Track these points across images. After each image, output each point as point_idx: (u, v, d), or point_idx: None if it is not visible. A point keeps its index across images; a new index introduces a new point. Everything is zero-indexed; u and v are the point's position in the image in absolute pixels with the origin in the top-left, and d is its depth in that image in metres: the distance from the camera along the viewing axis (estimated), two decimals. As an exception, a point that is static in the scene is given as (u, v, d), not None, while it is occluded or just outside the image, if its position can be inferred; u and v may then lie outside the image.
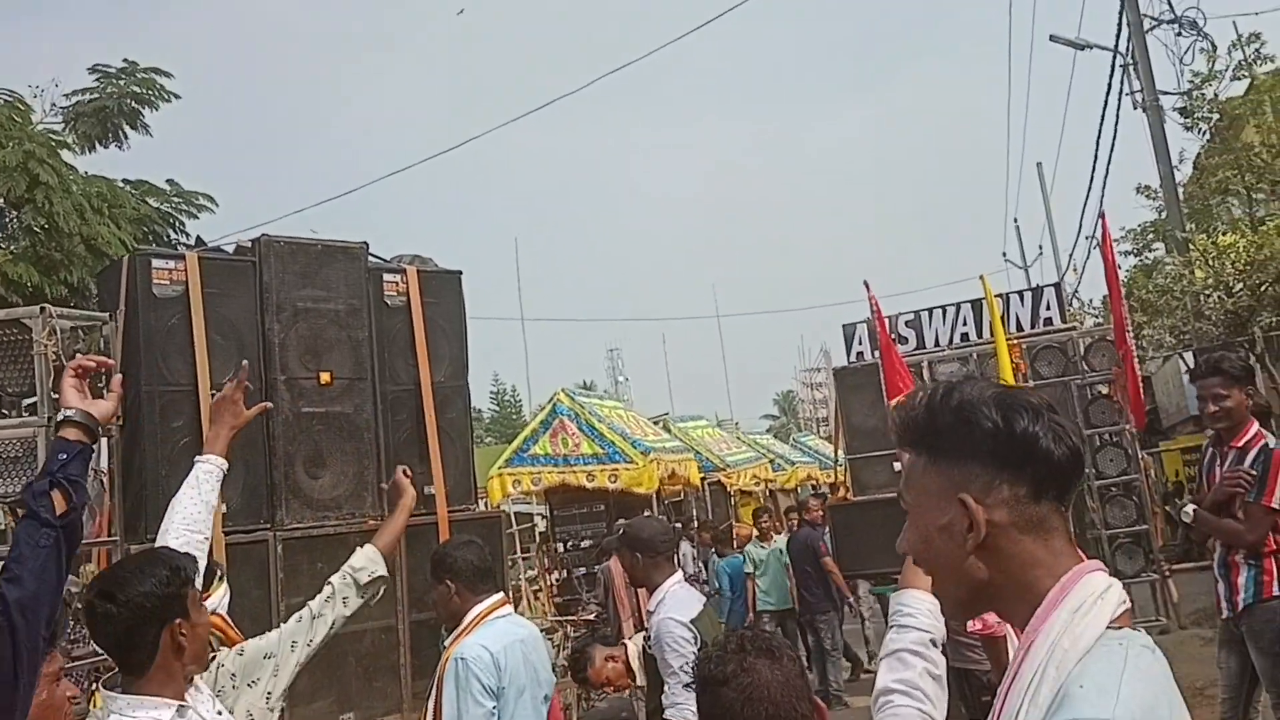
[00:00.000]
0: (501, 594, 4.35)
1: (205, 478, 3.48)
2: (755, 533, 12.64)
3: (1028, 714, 1.40)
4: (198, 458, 3.56)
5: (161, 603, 2.68)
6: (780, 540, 12.17)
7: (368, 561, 3.59)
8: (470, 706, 3.93)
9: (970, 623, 4.69)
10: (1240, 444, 5.14)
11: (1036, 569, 1.51)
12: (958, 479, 1.52)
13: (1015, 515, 1.50)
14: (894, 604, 2.33)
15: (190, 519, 3.35)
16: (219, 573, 3.49)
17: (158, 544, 3.21)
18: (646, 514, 13.52)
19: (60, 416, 2.66)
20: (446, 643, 4.15)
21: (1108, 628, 1.45)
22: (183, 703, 2.72)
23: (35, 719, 2.40)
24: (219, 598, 3.38)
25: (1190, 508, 5.44)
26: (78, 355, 5.08)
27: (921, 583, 2.30)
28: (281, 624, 3.46)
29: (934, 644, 2.26)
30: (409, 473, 4.04)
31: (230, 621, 3.39)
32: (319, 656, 5.60)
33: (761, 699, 2.07)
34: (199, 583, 2.92)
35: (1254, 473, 5.01)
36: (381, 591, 3.59)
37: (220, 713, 2.89)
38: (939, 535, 1.52)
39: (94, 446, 2.65)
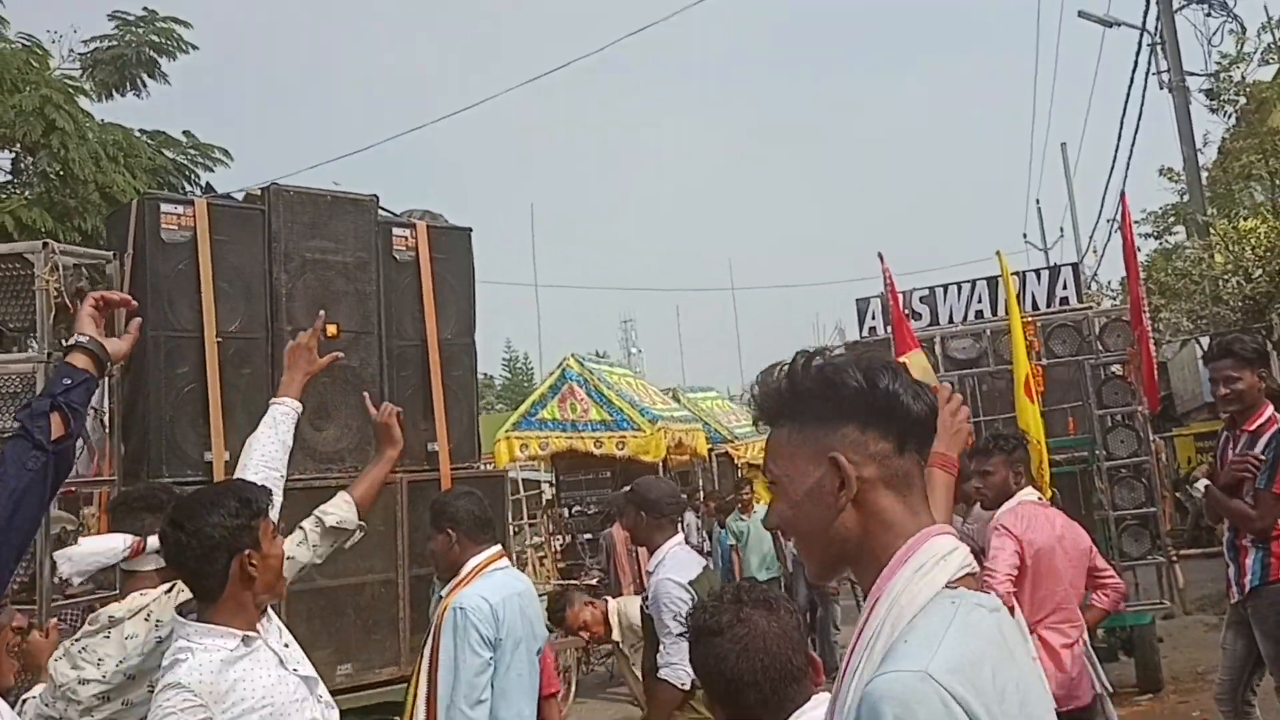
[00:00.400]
0: (499, 546, 4.33)
1: (282, 419, 3.63)
2: (738, 505, 12.69)
3: (863, 668, 1.40)
4: (273, 400, 3.69)
5: (230, 534, 2.77)
6: (761, 510, 12.16)
7: (338, 508, 3.57)
8: (468, 656, 3.91)
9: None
10: (1253, 428, 5.10)
11: (892, 530, 1.54)
12: (826, 441, 1.56)
13: (883, 470, 1.55)
14: None
15: (268, 457, 3.50)
16: None
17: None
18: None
19: (72, 341, 2.60)
20: (443, 592, 4.13)
21: (945, 587, 1.46)
22: (251, 633, 2.80)
23: None
24: None
25: (1202, 482, 5.41)
26: (99, 289, 5.08)
27: None
28: None
29: None
30: (401, 417, 3.94)
31: None
32: (318, 608, 5.64)
33: (757, 650, 2.03)
34: (274, 515, 3.00)
35: (1263, 458, 4.96)
36: (354, 540, 3.55)
37: (288, 644, 2.95)
38: (808, 499, 1.55)
39: (99, 380, 2.60)
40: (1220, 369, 5.20)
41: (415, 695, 4.04)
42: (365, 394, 4.28)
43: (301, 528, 3.50)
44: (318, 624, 5.67)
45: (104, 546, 3.24)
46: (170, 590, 3.17)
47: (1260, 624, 5.02)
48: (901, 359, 2.68)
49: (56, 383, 2.47)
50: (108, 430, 5.27)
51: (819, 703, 2.03)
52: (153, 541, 3.19)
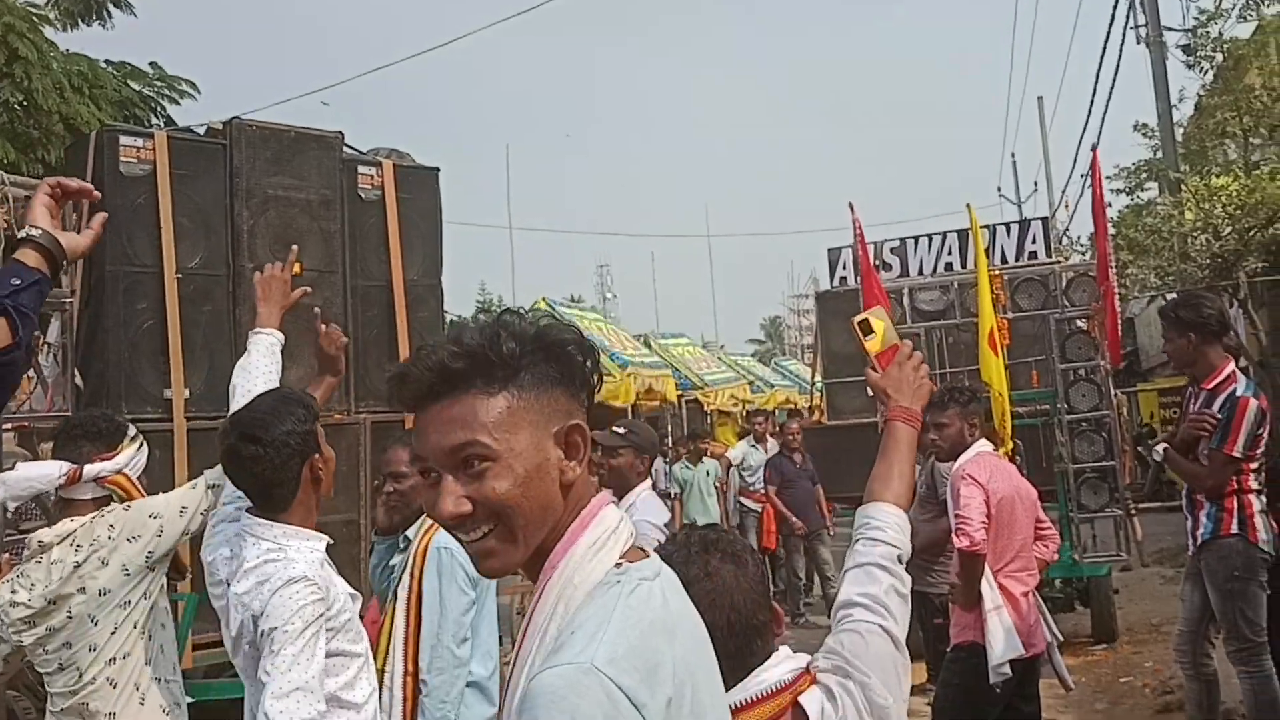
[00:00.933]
0: None
1: (270, 349, 3.59)
2: (684, 453, 12.45)
3: (537, 653, 1.35)
4: (257, 330, 3.62)
5: (302, 440, 2.84)
6: (710, 464, 12.12)
7: None
8: (455, 595, 3.92)
9: (958, 539, 4.73)
10: (1210, 386, 5.17)
11: (581, 500, 1.45)
12: (549, 409, 1.43)
13: (585, 440, 1.46)
14: (861, 517, 2.29)
15: (271, 379, 3.48)
16: (129, 432, 3.48)
17: (234, 405, 3.26)
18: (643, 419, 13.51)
19: (22, 234, 2.27)
20: (412, 534, 4.10)
21: (616, 563, 1.40)
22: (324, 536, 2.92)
23: None
24: (128, 457, 3.39)
25: (1161, 446, 5.50)
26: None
27: (890, 496, 2.29)
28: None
29: (900, 560, 2.22)
30: (343, 340, 3.79)
31: (137, 483, 3.38)
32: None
33: (723, 605, 1.99)
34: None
35: (1219, 417, 5.03)
36: None
37: None
38: (537, 475, 1.41)
39: (52, 281, 2.29)
40: (1163, 331, 5.41)
41: (391, 636, 4.03)
42: (316, 309, 4.20)
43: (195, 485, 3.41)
44: (278, 563, 5.67)
45: (39, 473, 3.24)
46: (94, 518, 3.19)
47: (1210, 577, 5.11)
48: (865, 315, 2.69)
49: (4, 283, 2.13)
50: (62, 366, 5.21)
51: (782, 658, 2.02)
52: (90, 469, 3.21)
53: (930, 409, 5.17)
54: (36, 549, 3.16)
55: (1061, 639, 5.47)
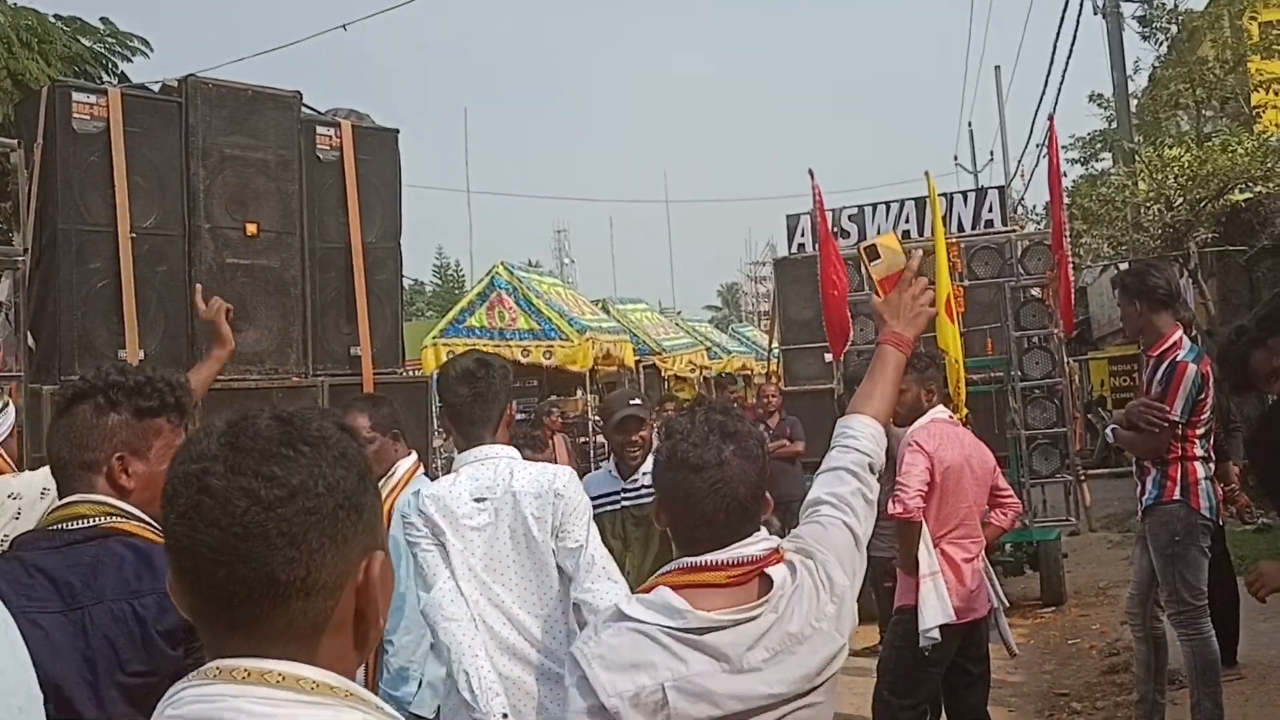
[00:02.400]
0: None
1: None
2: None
3: None
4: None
5: (509, 386, 3.35)
6: None
7: None
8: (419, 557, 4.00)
9: (892, 505, 4.80)
10: (1156, 354, 5.27)
11: None
12: None
13: None
14: (840, 427, 2.39)
15: None
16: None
17: None
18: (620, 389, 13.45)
19: None
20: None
21: None
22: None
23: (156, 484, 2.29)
24: None
25: (1111, 428, 5.64)
26: (6, 179, 4.88)
27: (869, 410, 2.39)
28: None
29: (871, 469, 2.31)
30: (231, 314, 3.78)
31: (5, 455, 3.17)
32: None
33: (727, 494, 2.07)
34: None
35: (1171, 418, 5.12)
36: None
37: None
38: None
39: None
40: (1115, 297, 5.53)
41: None
42: (198, 286, 4.17)
43: None
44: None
45: None
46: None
47: (1153, 541, 5.23)
48: (873, 241, 2.72)
49: None
50: (14, 325, 5.13)
51: (760, 538, 2.11)
52: None
53: None
54: None
55: (1008, 604, 5.57)
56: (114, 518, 2.22)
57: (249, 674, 1.11)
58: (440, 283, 59.97)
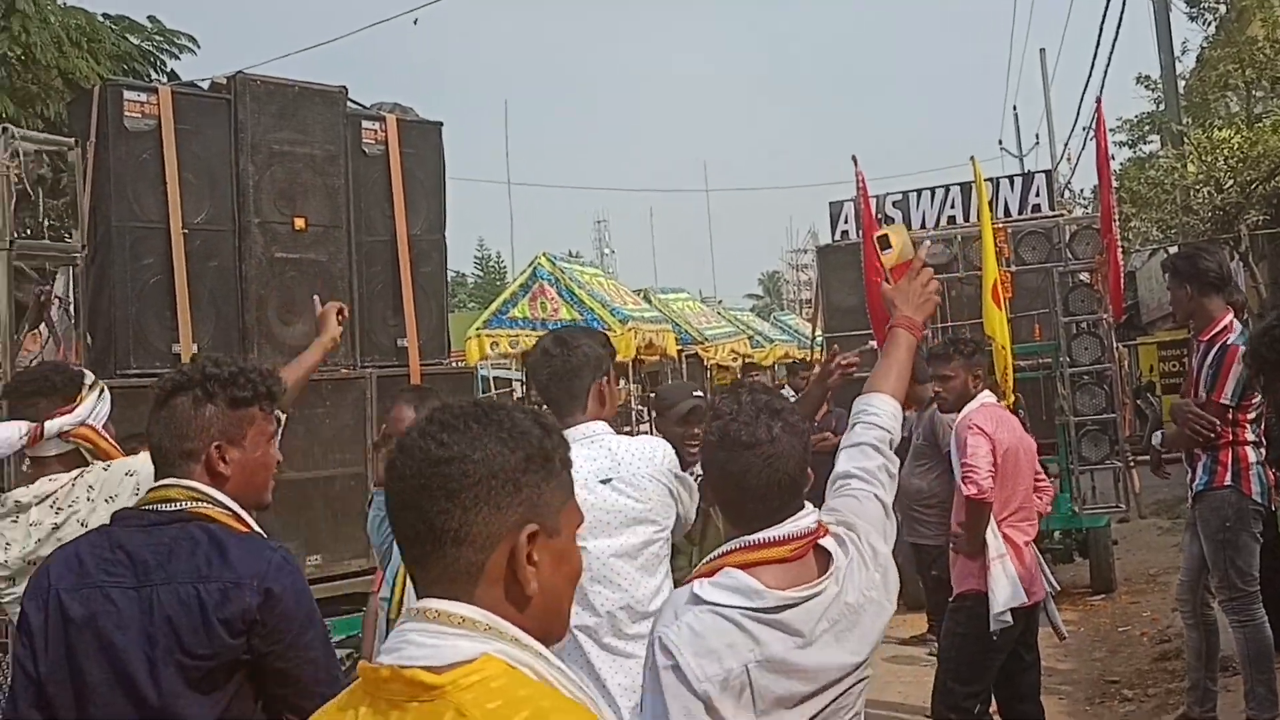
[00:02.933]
0: None
1: None
2: None
3: None
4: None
5: (598, 358, 3.19)
6: None
7: None
8: None
9: (966, 487, 4.78)
10: (1206, 338, 5.22)
11: None
12: None
13: None
14: (860, 404, 2.51)
15: None
16: (87, 380, 3.31)
17: None
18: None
19: None
20: None
21: None
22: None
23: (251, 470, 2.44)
24: (88, 407, 3.22)
25: (1157, 436, 5.61)
26: (61, 177, 4.96)
27: (887, 389, 2.52)
28: None
29: (891, 445, 2.43)
30: (345, 313, 3.85)
31: (103, 433, 3.26)
32: (287, 499, 5.70)
33: (778, 469, 2.15)
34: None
35: (1214, 420, 5.07)
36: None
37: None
38: None
39: None
40: (1165, 281, 5.45)
41: (405, 590, 4.06)
42: (314, 297, 4.19)
43: None
44: (287, 515, 5.71)
45: (1, 436, 3.09)
46: (78, 478, 3.11)
47: (1203, 527, 5.17)
48: (884, 231, 2.92)
49: None
50: (74, 320, 5.23)
51: (808, 511, 2.20)
52: (51, 425, 3.09)
53: (934, 361, 5.22)
54: (13, 508, 3.07)
55: (1059, 589, 5.54)
56: (201, 503, 2.33)
57: (419, 612, 1.36)
58: (481, 274, 60.17)
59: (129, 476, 3.14)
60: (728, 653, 2.03)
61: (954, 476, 5.06)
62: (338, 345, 3.80)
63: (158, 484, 2.39)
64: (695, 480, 4.42)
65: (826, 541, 2.17)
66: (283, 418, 3.21)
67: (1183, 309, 5.39)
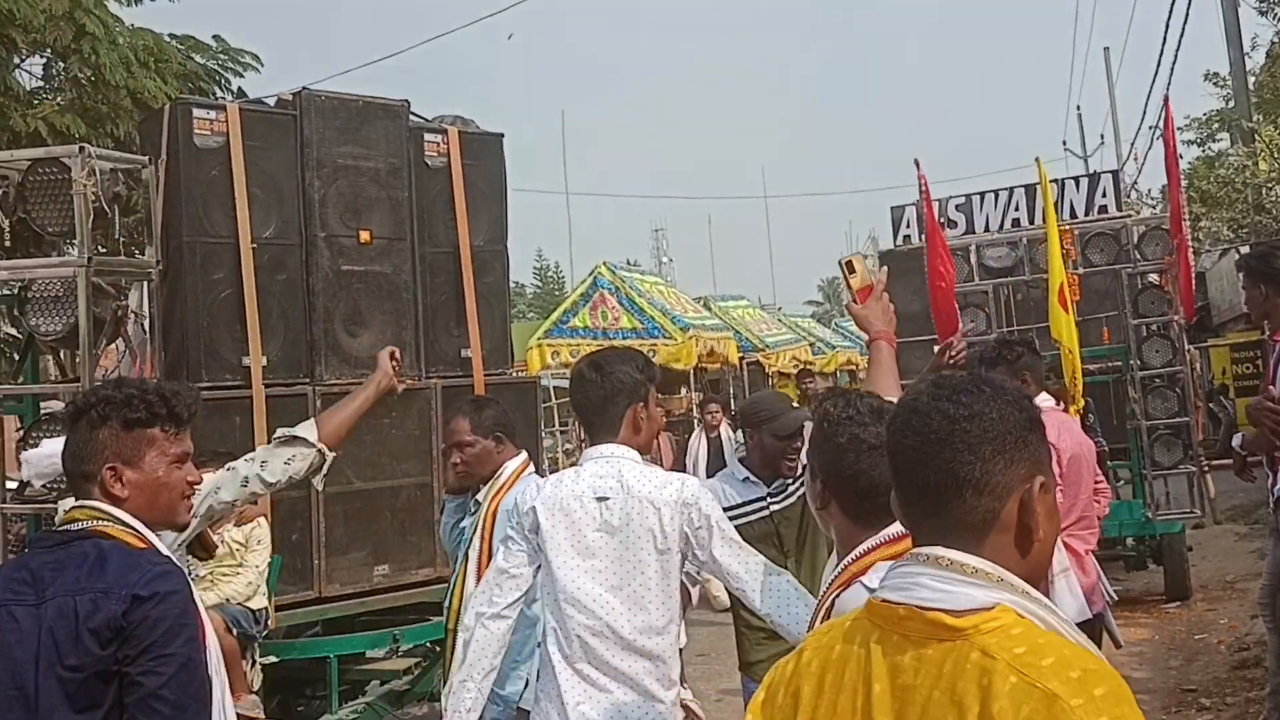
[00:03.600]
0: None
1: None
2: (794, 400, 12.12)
3: None
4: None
5: (634, 384, 3.22)
6: None
7: (299, 430, 3.31)
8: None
9: None
10: (1281, 337, 5.09)
11: None
12: None
13: None
14: None
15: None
16: None
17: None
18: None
19: None
20: (482, 497, 4.16)
21: None
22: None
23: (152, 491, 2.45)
24: None
25: (1238, 438, 5.48)
26: (134, 194, 5.04)
27: (892, 394, 2.69)
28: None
29: None
30: (398, 357, 3.70)
31: None
32: (354, 510, 5.76)
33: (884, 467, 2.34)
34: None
35: None
36: (306, 470, 3.26)
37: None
38: None
39: None
40: (1241, 280, 5.31)
41: (463, 597, 4.08)
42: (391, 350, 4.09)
43: (233, 467, 3.21)
44: (354, 526, 5.79)
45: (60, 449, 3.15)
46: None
47: (1284, 533, 5.04)
48: (849, 258, 3.27)
49: None
50: (148, 335, 5.34)
51: None
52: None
53: (982, 367, 5.07)
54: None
55: (1116, 598, 5.41)
56: (101, 521, 2.37)
57: (928, 559, 1.48)
58: (540, 284, 60.47)
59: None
60: None
61: None
62: (393, 388, 3.66)
63: (69, 506, 2.46)
64: (780, 492, 4.36)
65: None
66: (329, 455, 3.25)
67: (1258, 309, 5.26)
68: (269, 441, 3.34)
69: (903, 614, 1.45)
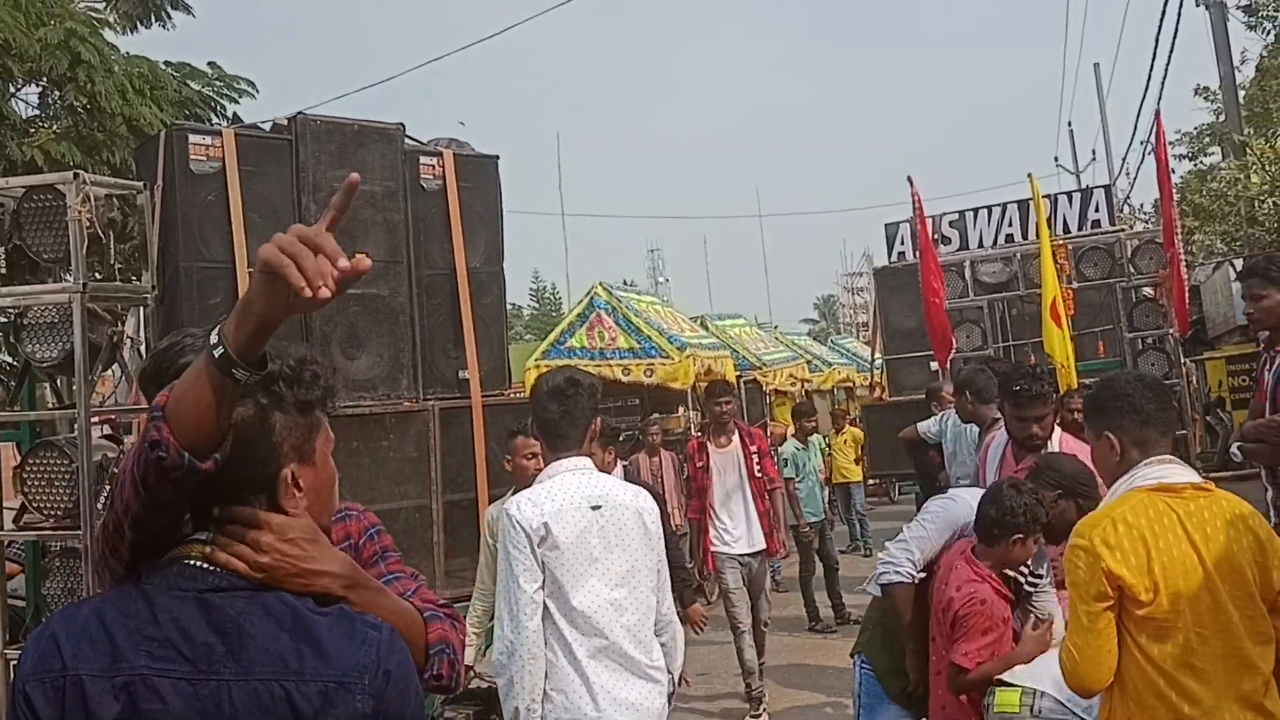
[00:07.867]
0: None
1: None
2: (792, 431, 11.71)
3: None
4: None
5: (595, 399, 3.54)
6: (818, 440, 11.73)
7: None
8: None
9: None
10: (1283, 348, 5.06)
11: None
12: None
13: None
14: None
15: None
16: None
17: None
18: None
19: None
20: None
21: None
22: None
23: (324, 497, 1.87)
24: None
25: (1235, 447, 5.45)
26: (129, 220, 5.06)
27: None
28: None
29: None
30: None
31: None
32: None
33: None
34: None
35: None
36: None
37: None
38: None
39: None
40: (1248, 287, 5.23)
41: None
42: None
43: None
44: (354, 549, 5.77)
45: None
46: None
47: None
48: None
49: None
50: (143, 359, 5.33)
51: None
52: None
53: (1032, 403, 4.93)
54: None
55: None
56: None
57: (1162, 460, 3.10)
58: (537, 305, 60.59)
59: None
60: None
61: None
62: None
63: (190, 536, 1.72)
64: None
65: None
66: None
67: (1274, 315, 5.14)
68: None
69: (1179, 487, 2.87)
